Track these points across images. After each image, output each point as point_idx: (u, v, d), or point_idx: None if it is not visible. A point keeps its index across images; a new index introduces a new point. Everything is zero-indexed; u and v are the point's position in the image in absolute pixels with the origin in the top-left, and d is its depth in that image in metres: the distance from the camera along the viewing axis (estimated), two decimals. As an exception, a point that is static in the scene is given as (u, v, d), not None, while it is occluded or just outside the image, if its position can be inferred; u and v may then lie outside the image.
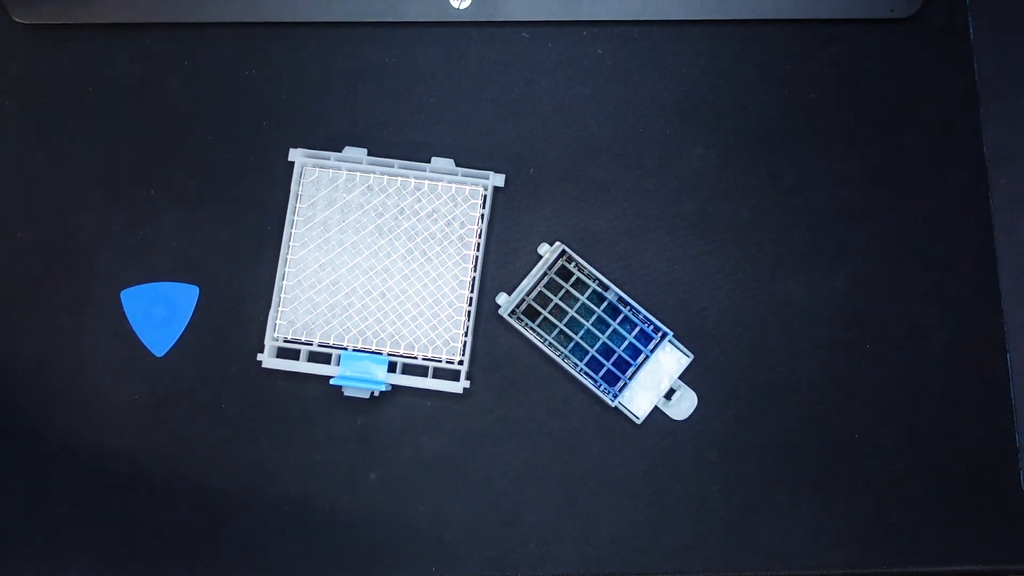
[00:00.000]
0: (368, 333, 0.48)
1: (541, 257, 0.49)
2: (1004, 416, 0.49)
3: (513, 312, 0.48)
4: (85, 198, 0.50)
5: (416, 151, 0.50)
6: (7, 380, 0.49)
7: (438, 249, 0.49)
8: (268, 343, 0.48)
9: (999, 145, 0.51)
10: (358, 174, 0.49)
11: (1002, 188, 0.51)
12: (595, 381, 0.48)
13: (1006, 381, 0.49)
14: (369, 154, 0.50)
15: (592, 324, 0.48)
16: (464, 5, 0.51)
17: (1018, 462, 0.49)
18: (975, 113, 0.51)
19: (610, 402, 0.48)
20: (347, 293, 0.48)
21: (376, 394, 0.48)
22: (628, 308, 0.48)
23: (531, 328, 0.48)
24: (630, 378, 0.48)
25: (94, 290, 0.50)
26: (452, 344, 0.48)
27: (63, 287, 0.50)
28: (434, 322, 0.48)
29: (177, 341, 0.49)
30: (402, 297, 0.48)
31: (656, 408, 0.48)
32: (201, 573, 0.44)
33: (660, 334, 0.48)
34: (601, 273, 0.49)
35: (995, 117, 0.51)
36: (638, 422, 0.48)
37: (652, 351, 0.48)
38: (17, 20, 0.51)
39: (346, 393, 0.48)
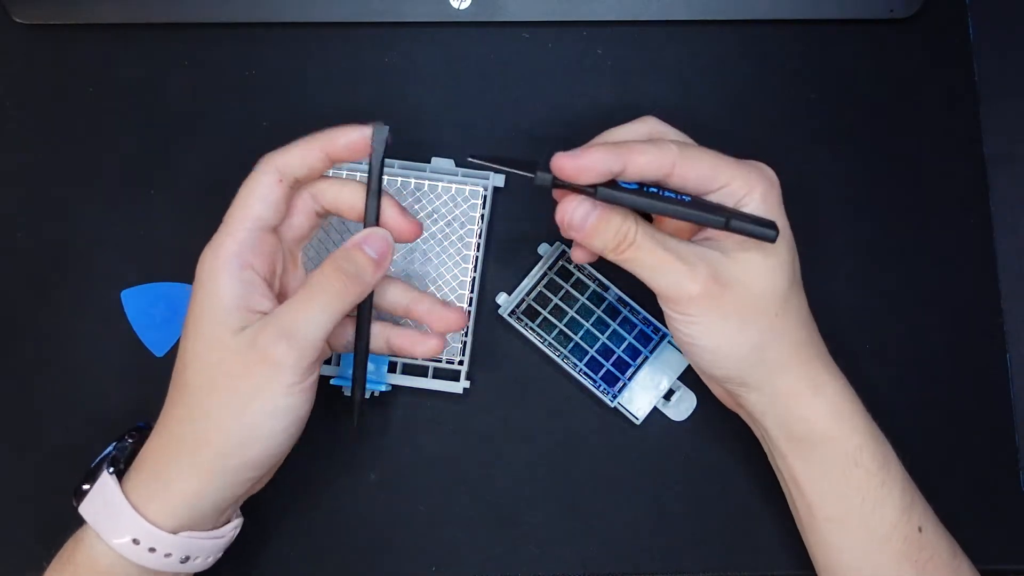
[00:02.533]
0: (368, 333, 0.48)
1: (541, 257, 0.49)
2: (1004, 416, 0.49)
3: (513, 312, 0.48)
4: (85, 198, 0.50)
5: (416, 151, 0.50)
6: (7, 380, 0.49)
7: (438, 249, 0.49)
8: (268, 343, 0.48)
9: (999, 145, 0.51)
10: (358, 174, 0.49)
11: (1002, 188, 0.51)
12: (595, 381, 0.48)
13: (1006, 381, 0.49)
14: (369, 154, 0.50)
15: (592, 324, 0.48)
16: (464, 5, 0.51)
17: (1018, 462, 0.49)
18: (975, 113, 0.51)
19: (609, 403, 0.48)
20: (347, 293, 0.48)
21: (376, 394, 0.48)
22: (628, 308, 0.48)
23: (531, 328, 0.48)
24: (629, 379, 0.48)
25: (94, 290, 0.50)
26: (452, 344, 0.48)
27: (63, 287, 0.50)
28: (434, 322, 0.48)
29: (177, 341, 0.49)
30: (402, 297, 0.48)
31: (655, 408, 0.48)
32: (200, 572, 0.44)
33: (660, 335, 0.48)
34: (601, 273, 0.49)
35: (995, 117, 0.51)
36: (637, 422, 0.48)
37: (651, 352, 0.48)
38: (17, 20, 0.51)
39: (347, 393, 0.48)
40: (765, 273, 0.39)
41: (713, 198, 0.39)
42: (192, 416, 0.38)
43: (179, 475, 0.38)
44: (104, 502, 0.38)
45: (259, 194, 0.40)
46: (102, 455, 0.41)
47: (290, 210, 0.41)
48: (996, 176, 0.51)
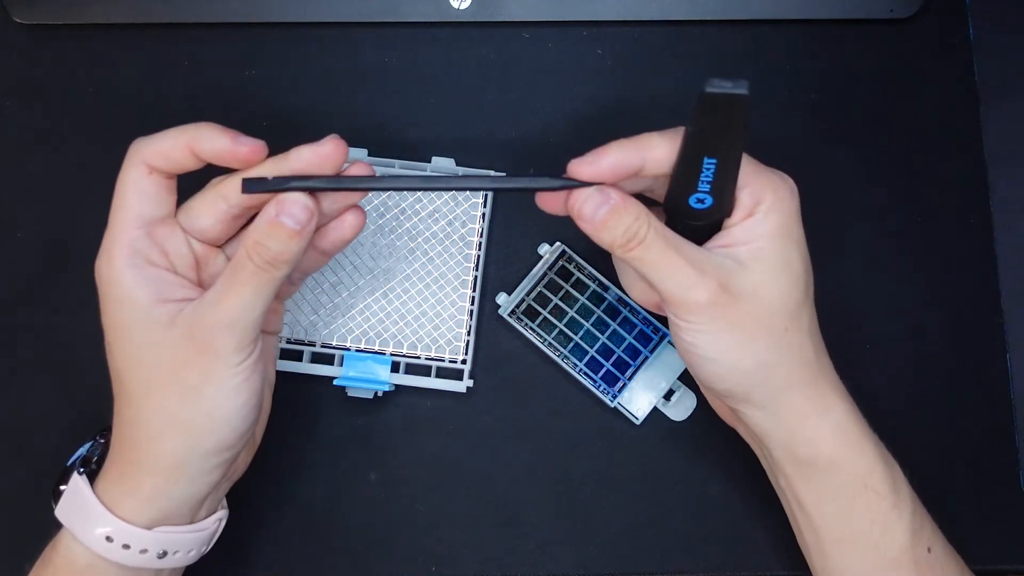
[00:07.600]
0: (371, 333, 0.48)
1: (541, 257, 0.49)
2: (1004, 416, 0.49)
3: (513, 312, 0.48)
4: (85, 198, 0.50)
5: (416, 151, 0.50)
6: (6, 380, 0.49)
7: (439, 249, 0.49)
8: (268, 343, 0.48)
9: (999, 145, 0.51)
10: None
11: (1002, 188, 0.51)
12: (594, 381, 0.48)
13: (1006, 381, 0.49)
14: (369, 154, 0.50)
15: (592, 324, 0.48)
16: (464, 5, 0.51)
17: (1018, 462, 0.49)
18: (975, 113, 0.51)
19: (609, 402, 0.48)
20: (350, 293, 0.48)
21: (379, 394, 0.48)
22: (628, 308, 0.48)
23: (531, 328, 0.48)
24: (629, 379, 0.48)
25: (94, 290, 0.49)
26: (455, 343, 0.48)
27: (63, 287, 0.50)
28: (436, 322, 0.48)
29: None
30: (404, 297, 0.48)
31: (655, 408, 0.48)
32: (200, 572, 0.44)
33: (660, 335, 0.48)
34: (601, 273, 0.49)
35: (995, 117, 0.51)
36: (637, 422, 0.48)
37: (651, 352, 0.48)
38: (17, 20, 0.51)
39: (350, 394, 0.48)
40: (779, 287, 0.38)
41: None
42: (143, 418, 0.38)
43: (145, 473, 0.38)
44: (77, 502, 0.38)
45: (134, 191, 0.38)
46: (75, 455, 0.41)
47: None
48: (996, 176, 0.51)
